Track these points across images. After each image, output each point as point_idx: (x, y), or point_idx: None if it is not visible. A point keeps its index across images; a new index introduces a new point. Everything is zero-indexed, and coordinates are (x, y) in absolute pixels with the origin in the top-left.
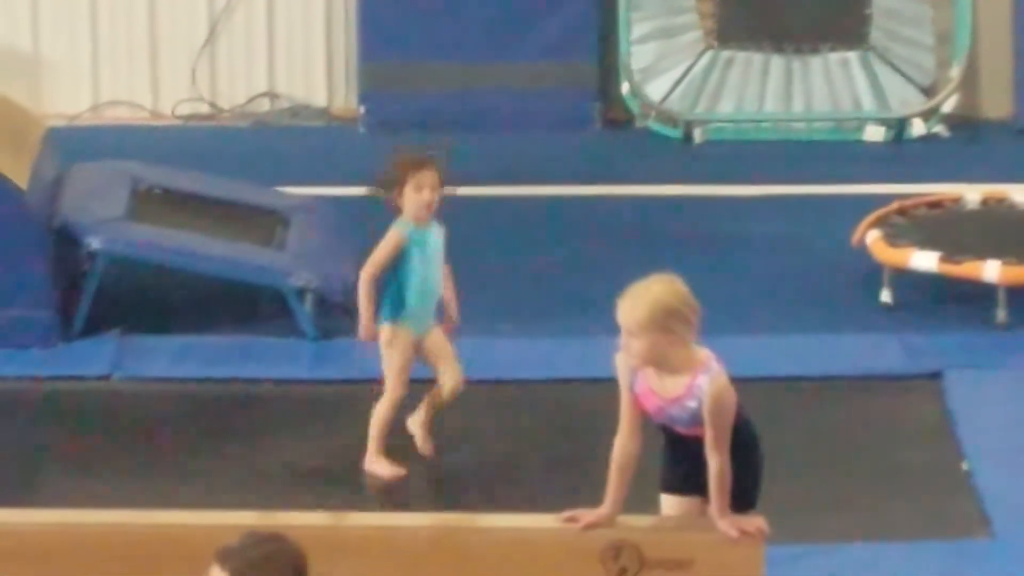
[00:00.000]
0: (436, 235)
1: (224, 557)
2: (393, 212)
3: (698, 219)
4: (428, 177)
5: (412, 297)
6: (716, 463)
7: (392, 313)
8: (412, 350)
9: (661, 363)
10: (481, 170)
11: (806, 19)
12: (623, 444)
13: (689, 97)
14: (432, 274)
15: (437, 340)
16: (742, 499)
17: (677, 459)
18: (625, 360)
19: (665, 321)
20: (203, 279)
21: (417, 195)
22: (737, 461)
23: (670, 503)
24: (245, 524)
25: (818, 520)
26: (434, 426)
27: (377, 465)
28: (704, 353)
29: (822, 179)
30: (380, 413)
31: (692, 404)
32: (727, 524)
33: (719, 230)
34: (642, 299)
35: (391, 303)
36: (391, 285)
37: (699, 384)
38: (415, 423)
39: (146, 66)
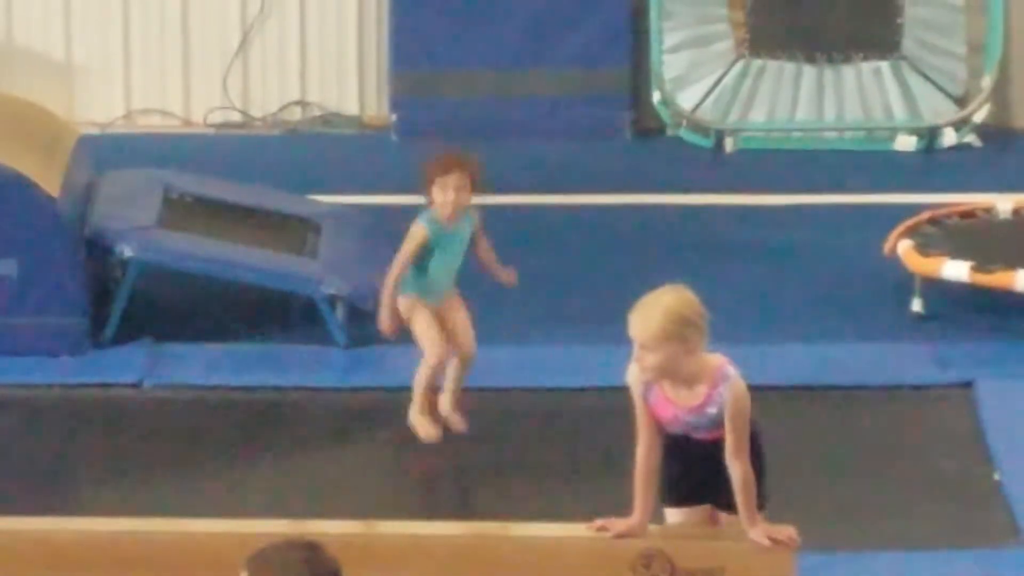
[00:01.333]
0: (464, 230)
1: (254, 563)
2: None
3: (729, 228)
4: (454, 179)
5: (431, 282)
6: (740, 470)
7: (410, 290)
8: (432, 317)
9: (675, 374)
10: (512, 178)
11: (838, 28)
12: (644, 455)
13: (721, 106)
14: (453, 261)
15: (453, 310)
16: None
17: (685, 470)
18: (636, 371)
19: (680, 331)
20: (235, 287)
21: (442, 195)
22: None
23: (676, 516)
24: (276, 532)
25: (849, 528)
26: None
27: (416, 422)
28: (718, 359)
29: (854, 188)
30: (418, 376)
31: (712, 411)
32: (759, 533)
33: (750, 239)
34: (655, 312)
35: (411, 283)
36: (412, 269)
37: (719, 391)
38: (444, 404)
39: (178, 74)
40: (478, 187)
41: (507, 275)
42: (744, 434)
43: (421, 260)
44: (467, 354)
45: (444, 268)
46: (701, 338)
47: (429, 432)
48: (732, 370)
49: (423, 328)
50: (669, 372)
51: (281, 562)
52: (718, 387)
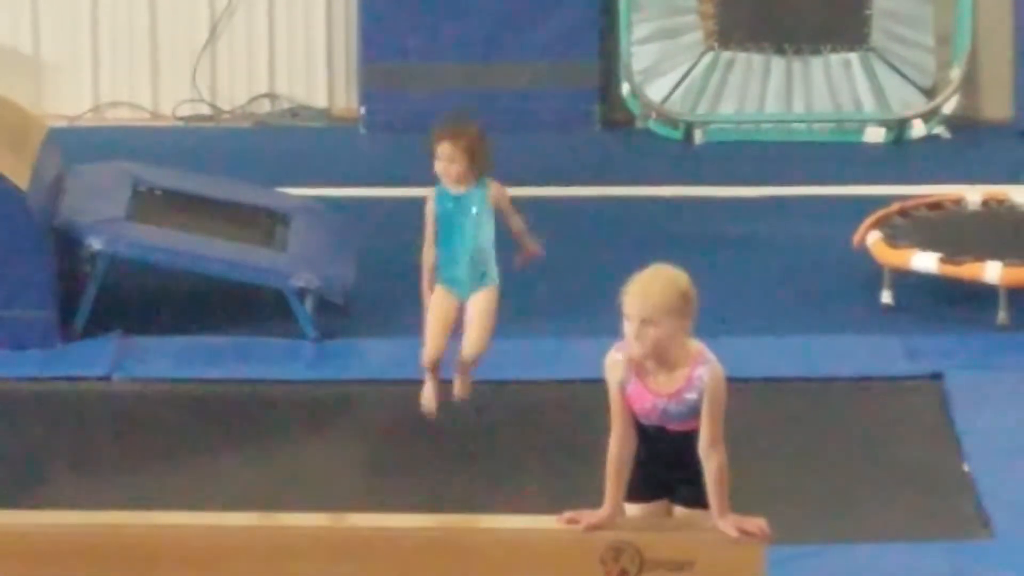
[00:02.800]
0: (473, 201)
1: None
2: None
3: (698, 220)
4: (442, 149)
5: (450, 264)
6: (716, 460)
7: (439, 277)
8: (448, 311)
9: (667, 352)
10: None
11: (807, 20)
12: (618, 447)
13: (690, 98)
14: (467, 242)
15: (474, 306)
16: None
17: (653, 466)
18: (616, 360)
19: (682, 305)
20: (204, 279)
21: (437, 164)
22: None
23: (634, 511)
24: (244, 525)
25: (819, 520)
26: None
27: (424, 387)
28: (698, 345)
29: (823, 180)
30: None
31: (692, 396)
32: (728, 524)
33: (719, 231)
34: (657, 284)
35: (439, 269)
36: (439, 253)
37: (699, 375)
38: (456, 391)
39: (147, 67)
40: (480, 155)
41: (533, 247)
42: (720, 421)
43: (442, 240)
44: (470, 352)
45: (461, 247)
46: (692, 318)
47: (426, 401)
48: (711, 355)
49: (427, 321)
50: (664, 349)
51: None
52: (697, 370)
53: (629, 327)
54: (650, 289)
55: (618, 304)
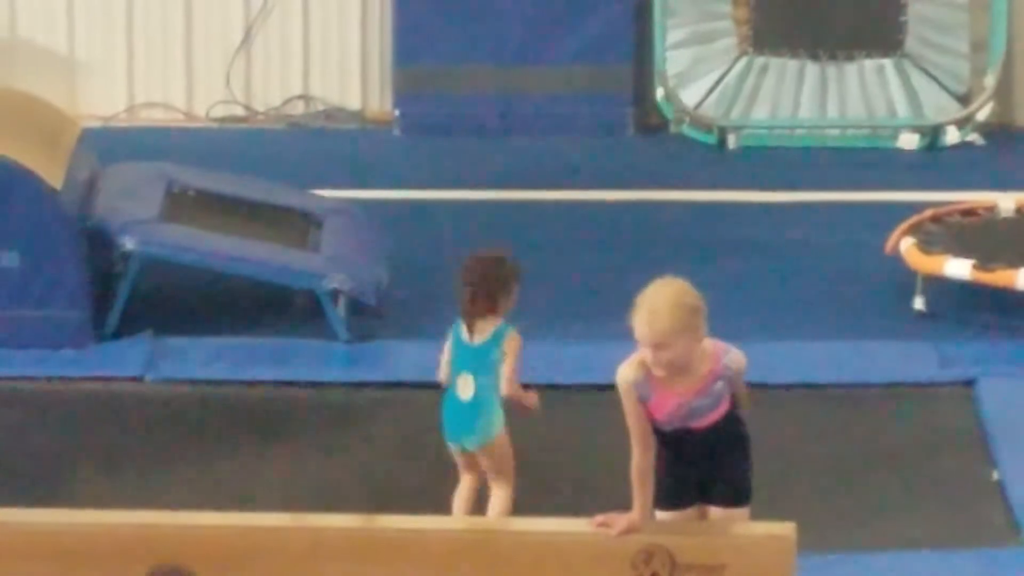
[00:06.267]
0: (488, 349)
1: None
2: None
3: (732, 225)
4: (463, 291)
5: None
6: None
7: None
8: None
9: (688, 364)
10: (515, 174)
11: (841, 26)
12: (640, 454)
13: (724, 103)
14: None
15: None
16: (748, 491)
17: (678, 472)
18: (629, 375)
19: (690, 321)
20: (236, 280)
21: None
22: (744, 452)
23: (667, 518)
24: (276, 525)
25: (849, 528)
26: None
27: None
28: (712, 342)
29: (856, 186)
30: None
31: (719, 385)
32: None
33: (753, 236)
34: (664, 306)
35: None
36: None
37: (724, 365)
38: None
39: (181, 68)
40: (500, 295)
41: (530, 400)
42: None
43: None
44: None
45: (462, 392)
46: (704, 322)
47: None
48: (728, 345)
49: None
50: (683, 364)
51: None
52: (721, 360)
53: (644, 352)
54: (658, 314)
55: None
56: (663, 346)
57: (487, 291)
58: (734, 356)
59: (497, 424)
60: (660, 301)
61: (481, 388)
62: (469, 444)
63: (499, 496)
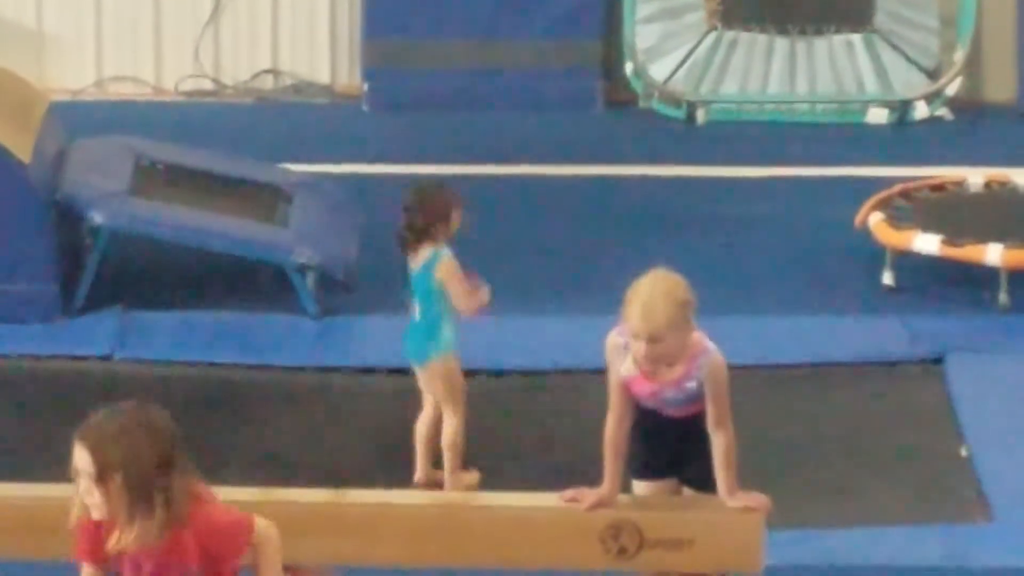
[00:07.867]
0: (421, 272)
1: (82, 434)
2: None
3: (700, 200)
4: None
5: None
6: (723, 439)
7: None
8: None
9: (676, 358)
10: (484, 149)
11: (811, 1)
12: (615, 426)
13: (693, 78)
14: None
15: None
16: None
17: (656, 445)
18: (617, 344)
19: (684, 315)
20: (205, 255)
21: None
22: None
23: (643, 489)
24: (244, 500)
25: (818, 504)
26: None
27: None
28: (695, 335)
29: (825, 161)
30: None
31: (691, 384)
32: (736, 502)
33: (721, 211)
34: (659, 301)
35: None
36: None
37: (698, 364)
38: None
39: (150, 42)
40: (436, 222)
41: (482, 297)
42: (726, 404)
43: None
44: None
45: (414, 315)
46: (693, 320)
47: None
48: (710, 344)
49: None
50: (673, 358)
51: (104, 428)
52: (697, 360)
53: (636, 345)
54: (653, 308)
55: (620, 297)
56: (656, 339)
57: (423, 218)
58: (709, 360)
59: (433, 347)
60: (655, 295)
61: (422, 312)
62: (414, 364)
63: (448, 423)
